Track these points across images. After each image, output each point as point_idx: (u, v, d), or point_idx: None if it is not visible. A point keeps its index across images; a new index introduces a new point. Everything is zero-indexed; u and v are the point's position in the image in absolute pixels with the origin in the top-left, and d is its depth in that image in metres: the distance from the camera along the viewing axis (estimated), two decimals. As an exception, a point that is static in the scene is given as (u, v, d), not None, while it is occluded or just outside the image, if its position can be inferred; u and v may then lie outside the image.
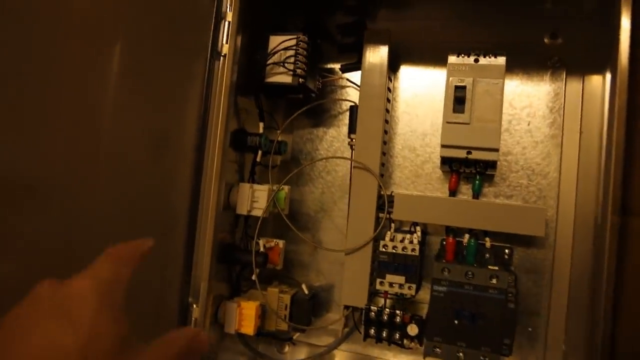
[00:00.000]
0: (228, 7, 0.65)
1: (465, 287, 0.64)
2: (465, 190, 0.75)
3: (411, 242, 0.70)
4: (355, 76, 0.78)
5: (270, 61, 0.70)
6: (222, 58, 0.64)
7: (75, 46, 0.47)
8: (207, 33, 0.63)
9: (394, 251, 0.69)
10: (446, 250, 0.70)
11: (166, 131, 0.61)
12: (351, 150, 0.76)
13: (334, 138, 0.83)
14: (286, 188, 0.75)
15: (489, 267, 0.65)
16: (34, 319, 0.27)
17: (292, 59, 0.69)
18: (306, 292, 0.78)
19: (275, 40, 0.70)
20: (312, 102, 0.78)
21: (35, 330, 0.26)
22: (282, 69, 0.70)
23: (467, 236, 0.70)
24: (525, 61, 0.74)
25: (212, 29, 0.64)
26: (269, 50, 0.70)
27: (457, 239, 0.71)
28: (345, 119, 0.81)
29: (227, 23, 0.64)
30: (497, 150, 0.68)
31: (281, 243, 0.75)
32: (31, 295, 0.29)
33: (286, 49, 0.70)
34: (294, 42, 0.70)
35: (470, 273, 0.64)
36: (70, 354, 0.25)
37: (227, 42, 0.64)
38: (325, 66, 0.83)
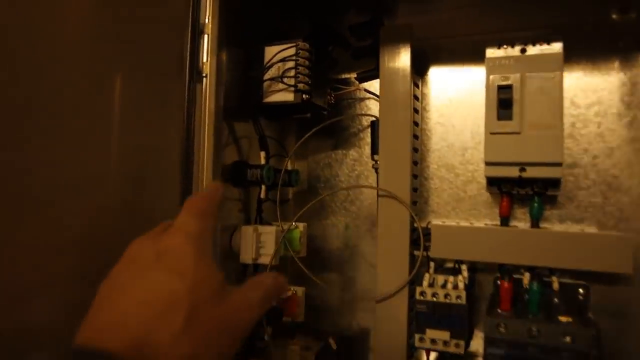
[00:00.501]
0: (207, 17, 0.53)
1: (529, 349, 0.49)
2: (521, 215, 0.60)
3: (456, 286, 0.55)
4: (376, 85, 0.65)
5: (266, 77, 0.58)
6: (204, 79, 0.53)
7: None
8: (182, 50, 0.52)
9: (434, 299, 0.55)
10: (501, 297, 0.54)
11: (142, 170, 0.50)
12: (376, 174, 0.63)
13: (356, 161, 0.69)
14: (301, 226, 0.62)
15: (560, 318, 0.50)
16: (138, 272, 0.31)
17: (292, 72, 0.57)
18: (334, 346, 0.65)
19: (271, 52, 0.58)
20: (324, 121, 0.65)
21: (142, 281, 0.30)
22: (281, 86, 0.58)
23: (527, 275, 0.55)
24: (588, 45, 0.59)
25: (190, 45, 0.52)
26: (265, 64, 0.58)
27: (515, 276, 0.56)
28: (368, 136, 0.67)
29: (206, 37, 0.53)
30: (559, 164, 0.52)
31: (300, 291, 0.63)
32: (127, 255, 0.33)
33: (284, 60, 0.57)
34: (292, 51, 0.57)
35: (535, 330, 0.49)
36: (181, 297, 0.29)
37: (208, 60, 0.53)
38: (340, 76, 0.70)
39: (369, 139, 0.66)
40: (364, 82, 0.67)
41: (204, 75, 0.53)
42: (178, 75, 0.52)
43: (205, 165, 0.53)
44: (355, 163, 0.69)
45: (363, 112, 0.69)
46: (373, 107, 0.68)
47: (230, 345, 0.32)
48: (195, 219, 0.35)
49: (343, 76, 0.70)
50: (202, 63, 0.53)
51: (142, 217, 0.49)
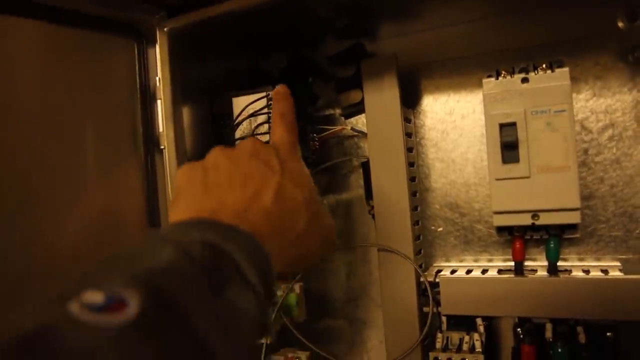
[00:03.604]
0: (158, 79, 0.47)
1: None
2: (537, 253, 0.55)
3: (472, 348, 0.50)
4: (365, 120, 0.58)
5: (238, 135, 0.52)
6: (163, 151, 0.47)
7: None
8: (134, 120, 0.46)
9: (450, 366, 0.50)
10: (523, 362, 0.49)
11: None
12: (373, 219, 0.57)
13: (350, 206, 0.63)
14: (296, 287, 0.57)
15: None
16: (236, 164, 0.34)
17: (265, 127, 0.51)
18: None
19: (239, 104, 0.52)
20: (310, 169, 0.59)
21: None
22: (256, 142, 0.51)
23: (549, 328, 0.50)
24: (596, 62, 0.52)
25: (141, 114, 0.46)
26: (234, 118, 0.52)
27: (536, 320, 0.50)
28: (360, 178, 0.61)
29: (159, 103, 0.47)
30: (577, 209, 0.46)
31: (305, 357, 0.58)
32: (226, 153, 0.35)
33: (254, 115, 0.51)
34: (263, 102, 0.51)
35: (566, 402, 0.44)
36: (302, 203, 0.34)
37: (164, 130, 0.47)
38: (324, 113, 0.64)
39: (362, 181, 0.60)
40: (351, 117, 0.61)
41: (162, 147, 0.47)
42: (134, 150, 0.46)
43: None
44: (349, 207, 0.63)
45: (353, 151, 0.63)
46: (364, 145, 0.62)
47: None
48: (289, 132, 0.39)
49: (327, 112, 0.64)
50: (159, 133, 0.47)
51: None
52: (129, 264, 0.24)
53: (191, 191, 0.33)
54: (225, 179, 0.33)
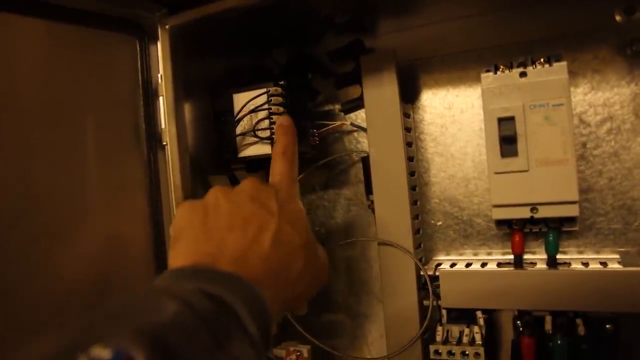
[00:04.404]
0: (160, 76, 0.47)
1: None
2: (535, 246, 0.55)
3: (472, 340, 0.51)
4: (364, 115, 0.59)
5: (239, 131, 0.52)
6: (165, 147, 0.47)
7: None
8: (137, 116, 0.46)
9: (450, 358, 0.51)
10: (523, 355, 0.50)
11: (110, 261, 0.45)
12: (373, 214, 0.58)
13: (351, 200, 0.64)
14: (297, 281, 0.57)
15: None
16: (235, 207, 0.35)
17: (265, 123, 0.51)
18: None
19: (240, 100, 0.52)
20: (310, 163, 0.60)
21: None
22: (256, 138, 0.52)
23: (549, 320, 0.50)
24: (594, 56, 0.53)
25: (144, 110, 0.46)
26: (235, 114, 0.52)
27: (536, 313, 0.51)
28: (360, 173, 0.62)
29: (161, 100, 0.47)
30: (575, 202, 0.47)
31: (306, 351, 0.58)
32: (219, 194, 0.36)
33: (255, 110, 0.51)
34: (264, 99, 0.51)
35: (565, 393, 0.45)
36: (300, 246, 0.35)
37: (166, 126, 0.47)
38: (324, 109, 0.64)
39: (361, 176, 0.60)
40: (350, 112, 0.62)
41: (164, 143, 0.47)
42: (136, 145, 0.47)
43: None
44: (350, 203, 0.64)
45: (352, 146, 0.63)
46: (363, 140, 0.62)
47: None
48: (290, 166, 0.41)
49: (327, 108, 0.64)
50: (161, 130, 0.48)
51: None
52: (134, 318, 0.24)
53: (191, 233, 0.33)
54: (225, 222, 0.33)
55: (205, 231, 0.33)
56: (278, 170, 0.40)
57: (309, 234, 0.37)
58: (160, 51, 0.47)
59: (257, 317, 0.28)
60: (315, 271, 0.37)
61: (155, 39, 0.47)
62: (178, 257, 0.32)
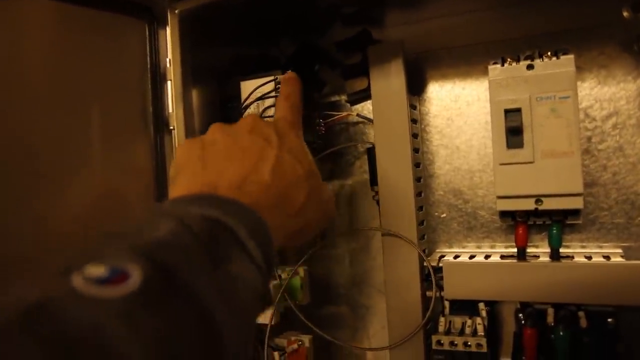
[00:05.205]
0: (168, 61, 0.47)
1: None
2: (539, 240, 0.55)
3: (474, 331, 0.51)
4: (370, 107, 0.59)
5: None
6: (172, 131, 0.47)
7: None
8: (145, 100, 0.46)
9: (452, 349, 0.51)
10: (525, 346, 0.50)
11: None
12: (378, 207, 0.58)
13: (354, 191, 0.64)
14: (300, 271, 0.58)
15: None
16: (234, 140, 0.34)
17: (272, 110, 0.51)
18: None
19: (247, 88, 0.52)
20: (316, 153, 0.60)
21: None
22: (263, 125, 0.52)
23: (551, 313, 0.50)
24: (601, 51, 0.53)
25: (152, 94, 0.47)
26: (242, 101, 0.53)
27: (537, 306, 0.51)
28: (365, 164, 0.62)
29: (169, 84, 0.47)
30: (580, 194, 0.47)
31: (307, 340, 0.59)
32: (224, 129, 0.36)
33: (262, 98, 0.52)
34: (271, 86, 0.52)
35: (566, 383, 0.45)
36: (302, 176, 0.34)
37: (174, 111, 0.47)
38: (330, 99, 0.64)
39: (366, 167, 0.61)
40: (357, 104, 0.62)
41: (171, 127, 0.48)
42: (143, 129, 0.47)
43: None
44: (354, 195, 0.64)
45: (358, 137, 0.64)
46: (369, 131, 0.63)
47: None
48: (294, 113, 0.40)
49: (333, 99, 0.64)
50: (168, 114, 0.48)
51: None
52: (130, 238, 0.24)
53: (190, 167, 0.33)
54: (223, 154, 0.33)
55: (203, 164, 0.32)
56: (281, 113, 0.40)
57: (311, 166, 0.36)
58: (169, 35, 0.47)
59: (259, 240, 0.27)
60: (319, 204, 0.36)
61: (164, 24, 0.48)
62: (177, 189, 0.31)
